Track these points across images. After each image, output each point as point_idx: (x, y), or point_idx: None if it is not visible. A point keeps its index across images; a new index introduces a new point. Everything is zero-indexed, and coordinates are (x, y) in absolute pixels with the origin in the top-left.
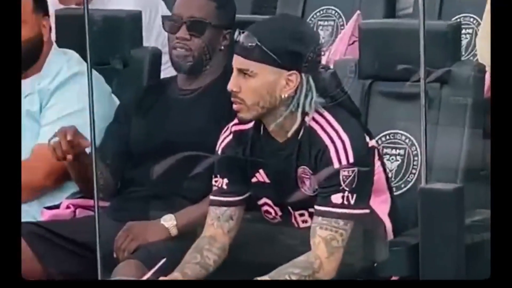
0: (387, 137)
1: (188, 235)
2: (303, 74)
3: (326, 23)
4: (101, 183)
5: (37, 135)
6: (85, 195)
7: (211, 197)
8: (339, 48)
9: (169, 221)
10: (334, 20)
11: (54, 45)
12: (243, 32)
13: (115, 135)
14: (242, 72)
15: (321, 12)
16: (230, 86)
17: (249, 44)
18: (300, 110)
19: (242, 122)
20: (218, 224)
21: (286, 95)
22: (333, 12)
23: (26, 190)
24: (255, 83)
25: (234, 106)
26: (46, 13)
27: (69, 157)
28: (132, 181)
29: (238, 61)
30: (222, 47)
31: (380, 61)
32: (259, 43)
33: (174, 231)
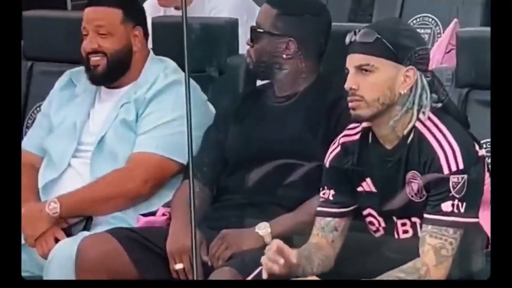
0: (485, 145)
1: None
2: (417, 71)
3: (422, 31)
4: (197, 190)
5: (133, 143)
6: None
7: (318, 208)
8: (435, 56)
9: (263, 229)
10: (431, 28)
11: (151, 53)
12: (359, 31)
13: (211, 143)
14: (361, 68)
15: (418, 20)
16: (349, 84)
17: (370, 39)
18: (416, 107)
19: (358, 120)
20: (323, 235)
21: (404, 91)
22: (430, 20)
23: (123, 198)
24: (376, 78)
25: (351, 104)
26: (137, 23)
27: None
28: (227, 189)
29: (355, 59)
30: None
31: (478, 69)
32: (379, 37)
33: (268, 239)
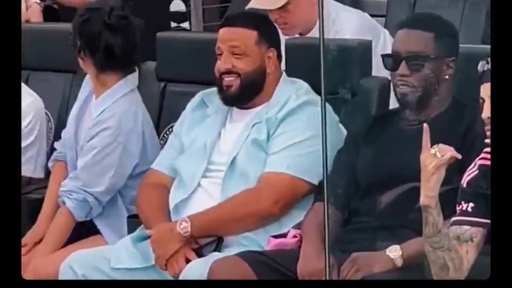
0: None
1: (414, 266)
2: None
3: None
4: (329, 213)
5: (264, 163)
6: None
7: (454, 218)
8: None
9: (394, 252)
10: None
11: (284, 74)
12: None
13: (343, 165)
14: None
15: None
16: (486, 114)
17: None
18: None
19: None
20: (457, 243)
21: None
22: None
23: (253, 218)
24: None
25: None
26: (272, 44)
27: None
28: (359, 211)
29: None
30: (447, 77)
31: None
32: None
33: (399, 262)
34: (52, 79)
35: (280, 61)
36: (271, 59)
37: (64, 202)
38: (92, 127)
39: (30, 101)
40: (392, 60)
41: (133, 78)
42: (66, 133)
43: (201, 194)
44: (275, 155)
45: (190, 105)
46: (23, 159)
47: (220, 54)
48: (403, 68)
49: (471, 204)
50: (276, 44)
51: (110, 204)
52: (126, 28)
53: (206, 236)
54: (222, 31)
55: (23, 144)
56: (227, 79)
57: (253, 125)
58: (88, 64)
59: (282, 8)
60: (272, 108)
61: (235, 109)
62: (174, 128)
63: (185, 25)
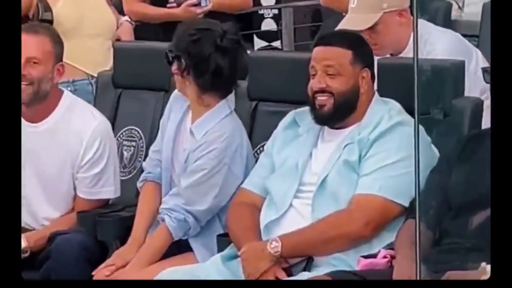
0: None
1: None
2: None
3: None
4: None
5: (356, 185)
6: None
7: None
8: None
9: (487, 272)
10: None
11: (376, 94)
12: None
13: (435, 186)
14: None
15: None
16: None
17: None
18: None
19: None
20: None
21: None
22: None
23: (344, 240)
24: None
25: None
26: (366, 65)
27: None
28: (450, 232)
29: None
30: None
31: None
32: None
33: None
34: (144, 97)
35: (373, 81)
36: (365, 79)
37: (163, 220)
38: (197, 149)
39: (95, 125)
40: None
41: (231, 98)
42: (158, 154)
43: (292, 215)
44: (366, 176)
45: (282, 124)
46: (100, 183)
47: (314, 74)
48: None
49: None
50: (370, 64)
51: (208, 224)
52: (237, 52)
53: (296, 257)
54: (317, 50)
55: (96, 170)
56: (321, 98)
57: (345, 146)
58: (190, 84)
59: (372, 29)
60: (364, 129)
61: (326, 129)
62: (265, 147)
63: (276, 43)
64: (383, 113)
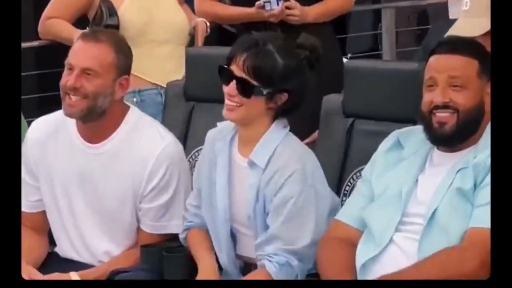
0: None
1: None
2: None
3: None
4: None
5: (469, 217)
6: None
7: None
8: None
9: None
10: None
11: None
12: None
13: None
14: None
15: None
16: None
17: None
18: None
19: None
20: None
21: None
22: None
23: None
24: None
25: None
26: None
27: None
28: None
29: None
30: None
31: None
32: None
33: None
34: (221, 112)
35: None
36: (489, 95)
37: (264, 266)
38: (272, 178)
39: (162, 148)
40: None
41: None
42: (198, 209)
43: (393, 251)
44: (483, 207)
45: (383, 146)
46: (167, 215)
47: (433, 86)
48: None
49: None
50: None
51: None
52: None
53: None
54: (438, 58)
55: (163, 200)
56: (442, 115)
57: (458, 171)
58: (259, 106)
59: (486, 35)
60: (481, 152)
61: (436, 151)
62: (363, 172)
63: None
64: None
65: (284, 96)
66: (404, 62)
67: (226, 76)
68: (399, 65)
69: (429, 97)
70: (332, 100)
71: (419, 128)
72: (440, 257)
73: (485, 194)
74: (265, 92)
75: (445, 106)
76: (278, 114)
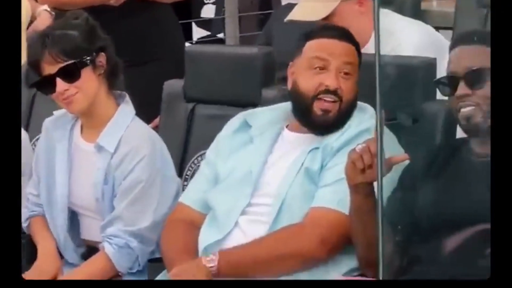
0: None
1: None
2: None
3: None
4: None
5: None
6: (364, 273)
7: None
8: None
9: None
10: None
11: None
12: None
13: (399, 204)
14: None
15: None
16: None
17: None
18: None
19: None
20: None
21: None
22: None
23: (295, 260)
24: None
25: None
26: None
27: (370, 172)
28: (420, 259)
29: None
30: None
31: None
32: None
33: None
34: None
35: None
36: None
37: (103, 248)
38: (122, 162)
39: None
40: (449, 83)
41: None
42: (38, 198)
43: (237, 235)
44: (325, 188)
45: (229, 127)
46: None
47: (323, 68)
48: (462, 88)
49: None
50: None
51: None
52: None
53: (236, 276)
54: (328, 42)
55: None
56: (327, 103)
57: (310, 151)
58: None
59: (327, 19)
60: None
61: (287, 132)
62: (206, 154)
63: (220, 33)
64: (354, 117)
65: (102, 56)
66: (244, 47)
67: (47, 83)
68: (240, 49)
69: (318, 80)
70: (173, 85)
71: (266, 109)
72: (281, 233)
73: (329, 175)
74: (84, 60)
75: (334, 92)
76: (110, 80)
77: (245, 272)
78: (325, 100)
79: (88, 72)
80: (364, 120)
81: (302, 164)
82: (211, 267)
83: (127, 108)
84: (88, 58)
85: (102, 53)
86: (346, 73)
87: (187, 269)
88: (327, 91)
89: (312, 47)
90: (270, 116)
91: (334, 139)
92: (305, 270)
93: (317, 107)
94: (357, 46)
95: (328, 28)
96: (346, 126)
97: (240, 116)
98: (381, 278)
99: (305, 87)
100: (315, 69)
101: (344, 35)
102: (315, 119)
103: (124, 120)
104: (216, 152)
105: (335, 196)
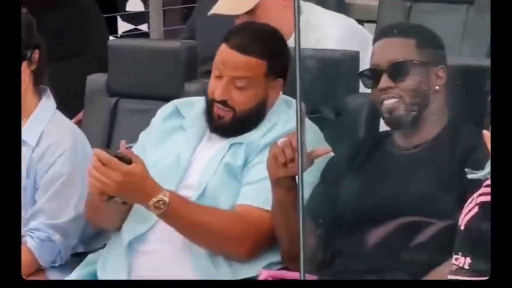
0: None
1: None
2: None
3: None
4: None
5: (237, 193)
6: (287, 266)
7: (449, 276)
8: None
9: None
10: None
11: (280, 95)
12: None
13: (322, 198)
14: None
15: None
16: None
17: None
18: None
19: None
20: None
21: None
22: None
23: (217, 243)
24: None
25: None
26: (280, 75)
27: (292, 166)
28: (342, 252)
29: None
30: (437, 87)
31: None
32: None
33: None
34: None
35: (284, 85)
36: (276, 88)
37: (26, 242)
38: (44, 156)
39: None
40: (372, 75)
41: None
42: None
43: (163, 228)
44: (251, 185)
45: (161, 114)
46: None
47: (219, 77)
48: (385, 81)
49: (468, 260)
50: (284, 72)
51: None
52: None
53: (175, 226)
54: (227, 52)
55: None
56: (219, 110)
57: (231, 146)
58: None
59: (250, 13)
60: (256, 131)
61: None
62: (139, 137)
63: (144, 27)
64: (282, 115)
65: (37, 53)
66: (167, 41)
67: None
68: (163, 43)
69: (213, 87)
70: (96, 80)
71: (198, 99)
72: (226, 214)
73: (255, 172)
74: (23, 54)
75: (223, 103)
76: (37, 76)
77: (181, 223)
78: (218, 107)
79: (23, 67)
80: (291, 117)
81: (222, 158)
82: (162, 200)
83: (48, 103)
84: (27, 52)
85: (37, 50)
86: (239, 88)
87: (134, 180)
88: (216, 101)
89: (219, 52)
90: (202, 106)
91: (260, 136)
92: (221, 257)
93: (214, 111)
94: (267, 55)
95: (237, 37)
96: (273, 123)
97: (173, 103)
98: (302, 271)
99: (208, 90)
100: (215, 75)
101: (250, 47)
102: (213, 121)
103: (45, 115)
104: (146, 137)
105: (260, 194)
